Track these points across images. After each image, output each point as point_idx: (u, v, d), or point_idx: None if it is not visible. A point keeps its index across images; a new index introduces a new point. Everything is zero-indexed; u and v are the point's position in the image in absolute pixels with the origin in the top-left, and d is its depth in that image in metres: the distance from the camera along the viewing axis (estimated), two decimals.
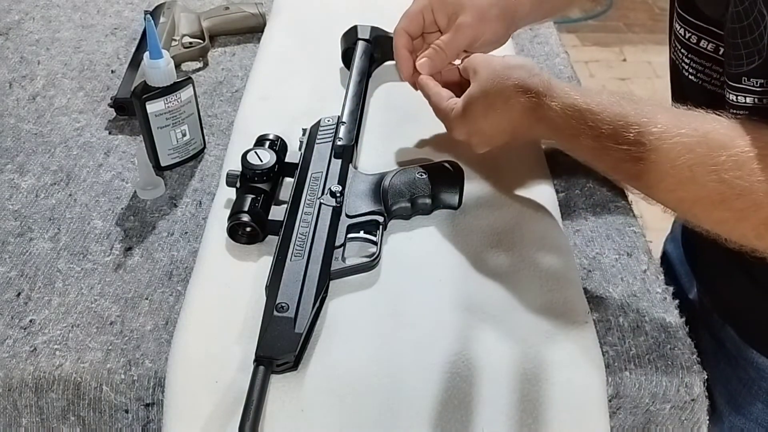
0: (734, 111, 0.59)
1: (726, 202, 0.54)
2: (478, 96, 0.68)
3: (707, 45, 0.66)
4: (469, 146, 0.72)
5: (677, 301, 0.68)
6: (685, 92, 0.71)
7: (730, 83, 0.59)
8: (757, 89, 0.57)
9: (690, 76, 0.70)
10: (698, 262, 0.85)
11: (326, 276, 0.64)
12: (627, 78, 2.79)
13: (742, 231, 0.55)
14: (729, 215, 0.54)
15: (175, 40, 0.99)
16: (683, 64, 0.70)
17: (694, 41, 0.67)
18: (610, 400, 0.61)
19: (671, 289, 0.69)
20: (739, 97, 0.58)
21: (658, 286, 0.69)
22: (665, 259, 0.93)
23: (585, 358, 0.61)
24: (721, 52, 0.65)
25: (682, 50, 0.70)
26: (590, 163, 0.64)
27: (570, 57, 1.03)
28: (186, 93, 0.79)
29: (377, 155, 0.80)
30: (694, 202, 0.56)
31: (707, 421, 0.63)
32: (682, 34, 0.69)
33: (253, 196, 0.69)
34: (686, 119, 0.57)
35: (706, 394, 0.62)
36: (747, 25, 0.55)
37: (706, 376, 0.62)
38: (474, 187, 0.75)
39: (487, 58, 0.71)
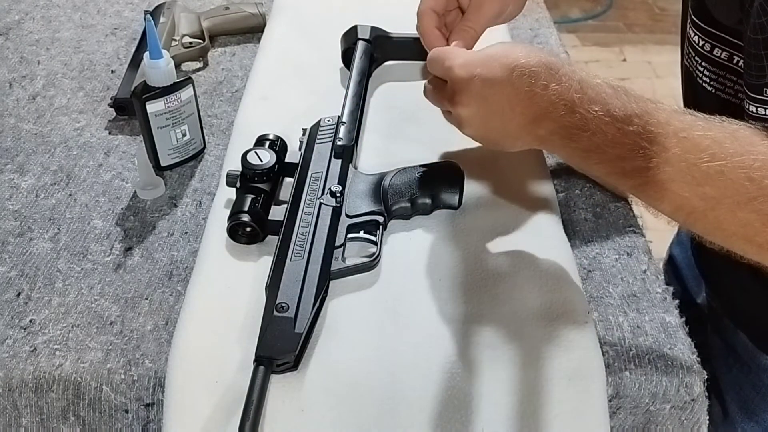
0: (753, 122, 0.57)
1: (753, 203, 0.52)
2: (505, 48, 0.61)
3: (721, 53, 0.65)
4: (460, 102, 0.63)
5: (677, 301, 0.68)
6: (699, 101, 0.69)
7: (750, 94, 0.57)
8: None
9: (705, 85, 0.68)
10: (708, 266, 0.84)
11: (326, 276, 0.64)
12: (627, 78, 2.78)
13: (767, 237, 0.52)
14: (755, 217, 0.52)
15: (175, 40, 0.99)
16: (697, 71, 0.69)
17: (708, 49, 0.66)
18: (610, 400, 0.61)
19: (671, 289, 0.69)
20: (759, 109, 0.57)
21: (658, 286, 0.69)
22: (672, 262, 0.93)
23: (585, 358, 0.61)
24: (735, 61, 0.63)
25: (696, 58, 0.68)
26: (601, 150, 0.57)
27: (570, 57, 1.03)
28: (186, 93, 0.79)
29: (377, 155, 0.80)
30: (719, 200, 0.54)
31: (707, 421, 0.63)
32: (696, 41, 0.67)
33: (253, 196, 0.69)
34: (710, 118, 0.55)
35: (706, 394, 0.62)
36: None
37: (707, 376, 0.62)
38: (474, 187, 0.75)
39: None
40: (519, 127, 0.61)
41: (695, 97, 0.71)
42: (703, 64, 0.68)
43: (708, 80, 0.68)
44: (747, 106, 0.58)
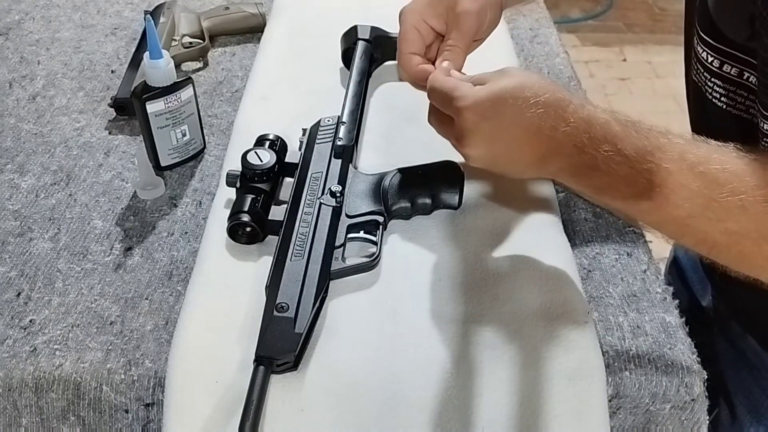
0: (767, 140, 0.57)
1: None
2: (514, 86, 0.59)
3: (731, 69, 0.64)
4: (468, 145, 0.61)
5: (677, 301, 0.68)
6: (710, 117, 0.68)
7: (765, 113, 0.56)
8: None
9: (715, 101, 0.67)
10: (714, 268, 0.83)
11: (326, 276, 0.64)
12: (627, 78, 2.79)
13: None
14: None
15: (175, 40, 0.99)
16: (707, 87, 0.67)
17: (717, 65, 0.65)
18: (610, 400, 0.61)
19: (671, 289, 0.69)
20: None
21: (658, 286, 0.69)
22: (676, 264, 0.92)
23: (585, 358, 0.61)
24: (745, 77, 0.62)
25: (706, 74, 0.67)
26: (614, 188, 0.57)
27: (570, 57, 1.03)
28: (186, 93, 0.79)
29: (377, 155, 0.80)
30: (743, 234, 0.53)
31: (707, 421, 0.63)
32: (705, 57, 0.66)
33: (253, 196, 0.69)
34: (724, 149, 0.54)
35: (706, 394, 0.62)
36: None
37: (707, 376, 0.62)
38: (474, 187, 0.75)
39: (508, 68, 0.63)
40: (527, 165, 0.61)
41: (705, 113, 0.69)
42: (713, 80, 0.66)
43: (719, 96, 0.66)
44: (761, 125, 0.57)
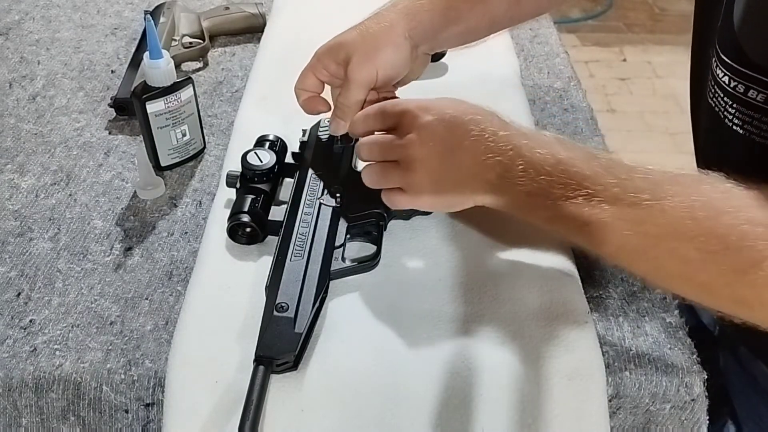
0: None
1: (694, 241, 0.51)
2: (445, 107, 0.62)
3: (757, 95, 0.61)
4: (421, 151, 0.61)
5: (677, 301, 0.68)
6: (727, 144, 0.65)
7: None
8: None
9: (735, 127, 0.63)
10: None
11: (326, 276, 0.64)
12: (627, 78, 2.78)
13: (707, 275, 0.52)
14: (696, 255, 0.51)
15: (175, 40, 0.99)
16: (727, 113, 0.64)
17: (742, 90, 0.61)
18: (610, 400, 0.61)
19: None
20: None
21: None
22: None
23: (585, 358, 0.61)
24: None
25: (725, 98, 0.64)
26: (543, 193, 0.57)
27: (570, 57, 1.03)
28: (186, 93, 0.79)
29: None
30: (660, 238, 0.53)
31: (707, 421, 0.63)
32: (726, 82, 0.63)
33: (253, 196, 0.69)
34: (654, 168, 0.55)
35: (706, 394, 0.62)
36: None
37: (706, 376, 0.62)
38: None
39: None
40: (470, 168, 0.61)
41: (722, 140, 0.66)
42: (734, 105, 0.63)
43: (740, 123, 0.63)
44: None
